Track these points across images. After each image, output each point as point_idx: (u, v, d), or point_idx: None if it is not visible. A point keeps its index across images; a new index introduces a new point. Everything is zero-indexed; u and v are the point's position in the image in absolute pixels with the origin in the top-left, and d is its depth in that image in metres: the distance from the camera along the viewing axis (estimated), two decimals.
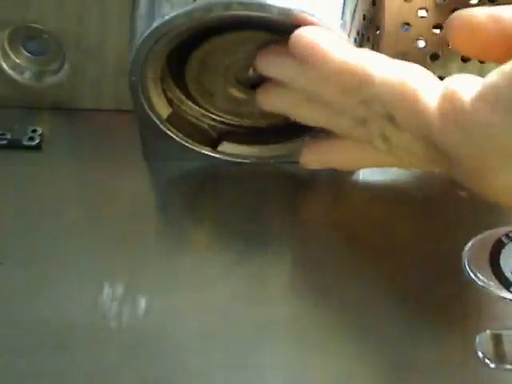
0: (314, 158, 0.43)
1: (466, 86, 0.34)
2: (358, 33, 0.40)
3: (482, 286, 0.39)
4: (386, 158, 0.40)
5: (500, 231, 0.41)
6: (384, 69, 0.36)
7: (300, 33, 0.38)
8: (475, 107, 0.33)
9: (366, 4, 0.41)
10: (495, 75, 0.33)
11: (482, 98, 0.33)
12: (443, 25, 0.39)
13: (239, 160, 0.45)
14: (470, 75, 0.35)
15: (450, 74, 0.36)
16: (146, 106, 0.43)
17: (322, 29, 0.38)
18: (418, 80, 0.35)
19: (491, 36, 0.37)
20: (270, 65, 0.40)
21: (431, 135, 0.35)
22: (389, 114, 0.36)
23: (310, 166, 0.44)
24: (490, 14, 0.37)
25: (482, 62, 0.43)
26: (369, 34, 0.42)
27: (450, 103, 0.34)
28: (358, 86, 0.36)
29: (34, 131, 0.48)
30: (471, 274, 0.39)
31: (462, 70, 0.42)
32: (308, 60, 0.38)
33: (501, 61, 0.38)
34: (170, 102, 0.44)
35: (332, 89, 0.38)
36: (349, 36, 0.39)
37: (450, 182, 0.43)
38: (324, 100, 0.39)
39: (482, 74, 0.36)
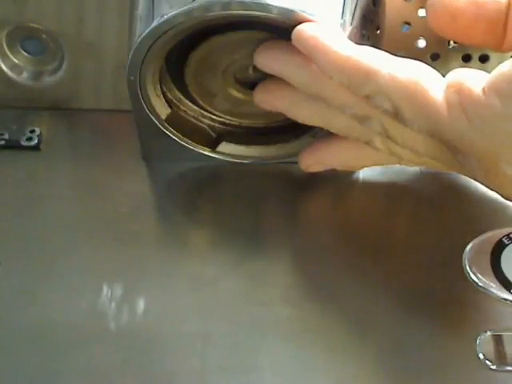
0: (314, 160, 0.43)
1: (472, 77, 0.35)
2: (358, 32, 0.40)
3: (483, 288, 0.39)
4: (386, 156, 0.40)
5: (501, 232, 0.41)
6: (389, 64, 0.36)
7: (303, 27, 0.38)
8: (487, 97, 0.33)
9: (366, 4, 0.41)
10: (508, 65, 0.33)
11: (494, 87, 0.33)
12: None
13: (238, 160, 0.45)
14: (471, 69, 0.36)
15: None
16: (145, 106, 0.43)
17: (325, 26, 0.38)
18: (425, 74, 0.36)
19: (471, 20, 0.38)
20: (270, 60, 0.40)
21: (440, 128, 0.35)
22: (394, 108, 0.36)
23: (310, 170, 0.44)
24: None
25: (482, 62, 0.43)
26: (369, 33, 0.42)
27: (458, 94, 0.34)
28: (362, 80, 0.36)
29: (33, 131, 0.47)
30: (472, 276, 0.39)
31: None
32: (311, 54, 0.38)
33: (480, 44, 0.39)
34: (169, 102, 0.44)
35: (334, 84, 0.38)
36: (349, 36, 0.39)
37: (450, 182, 0.43)
38: (325, 96, 0.39)
39: None
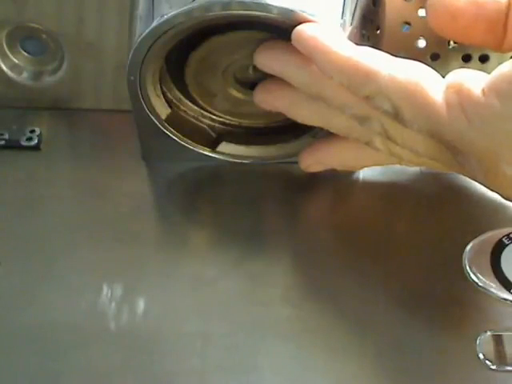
0: (314, 160, 0.43)
1: (472, 78, 0.35)
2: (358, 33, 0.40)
3: (483, 288, 0.39)
4: (386, 156, 0.40)
5: (501, 232, 0.41)
6: (389, 65, 0.36)
7: (303, 27, 0.38)
8: (486, 97, 0.33)
9: (366, 4, 0.41)
10: (508, 66, 0.33)
11: (494, 88, 0.33)
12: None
13: (238, 160, 0.45)
14: (471, 70, 0.36)
15: None
16: (145, 106, 0.43)
17: (325, 26, 0.38)
18: (424, 75, 0.36)
19: (471, 19, 0.38)
20: (270, 60, 0.40)
21: (440, 129, 0.35)
22: (394, 109, 0.36)
23: (310, 170, 0.44)
24: None
25: (482, 62, 0.43)
26: (369, 33, 0.42)
27: (457, 95, 0.34)
28: (362, 81, 0.36)
29: (33, 131, 0.47)
30: (472, 276, 0.39)
31: None
32: (311, 54, 0.38)
33: (480, 44, 0.39)
34: (169, 102, 0.44)
35: (334, 84, 0.38)
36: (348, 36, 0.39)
37: (450, 182, 0.43)
38: (325, 96, 0.39)
39: None
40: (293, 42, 0.38)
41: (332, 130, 0.41)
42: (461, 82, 0.35)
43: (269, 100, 0.42)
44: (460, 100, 0.34)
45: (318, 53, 0.37)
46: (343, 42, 0.37)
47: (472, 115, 0.34)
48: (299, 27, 0.38)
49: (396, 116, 0.36)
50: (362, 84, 0.36)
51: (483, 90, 0.34)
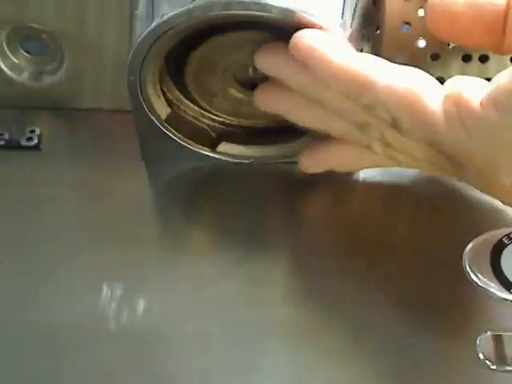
0: (313, 161, 0.43)
1: (470, 88, 0.34)
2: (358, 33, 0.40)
3: (483, 288, 0.39)
4: (385, 159, 0.40)
5: (501, 232, 0.41)
6: (387, 74, 0.36)
7: (300, 35, 0.38)
8: (485, 109, 0.33)
9: (366, 4, 0.41)
10: (506, 77, 0.33)
11: (493, 100, 0.33)
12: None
13: (238, 160, 0.45)
14: (470, 77, 0.35)
15: (450, 74, 0.36)
16: (145, 106, 0.43)
17: (324, 33, 0.38)
18: (422, 84, 0.35)
19: (469, 22, 0.38)
20: (269, 62, 0.40)
21: (438, 140, 0.35)
22: (392, 119, 0.36)
23: (310, 171, 0.44)
24: (467, 1, 0.37)
25: (482, 62, 0.43)
26: (369, 34, 0.41)
27: (455, 106, 0.34)
28: (359, 91, 0.36)
29: (33, 131, 0.47)
30: (472, 276, 0.39)
31: (462, 70, 0.42)
32: (307, 63, 0.37)
33: (479, 46, 0.39)
34: (169, 102, 0.44)
35: (332, 93, 0.38)
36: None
37: (450, 182, 0.43)
38: (323, 102, 0.39)
39: (482, 74, 0.36)
40: (290, 50, 0.38)
41: (331, 134, 0.41)
42: (459, 92, 0.34)
43: (268, 103, 0.42)
44: (458, 111, 0.34)
45: (316, 62, 0.37)
46: (341, 50, 0.37)
47: (470, 127, 0.34)
48: (297, 35, 0.37)
49: (394, 125, 0.36)
50: (359, 94, 0.36)
51: (481, 102, 0.33)
